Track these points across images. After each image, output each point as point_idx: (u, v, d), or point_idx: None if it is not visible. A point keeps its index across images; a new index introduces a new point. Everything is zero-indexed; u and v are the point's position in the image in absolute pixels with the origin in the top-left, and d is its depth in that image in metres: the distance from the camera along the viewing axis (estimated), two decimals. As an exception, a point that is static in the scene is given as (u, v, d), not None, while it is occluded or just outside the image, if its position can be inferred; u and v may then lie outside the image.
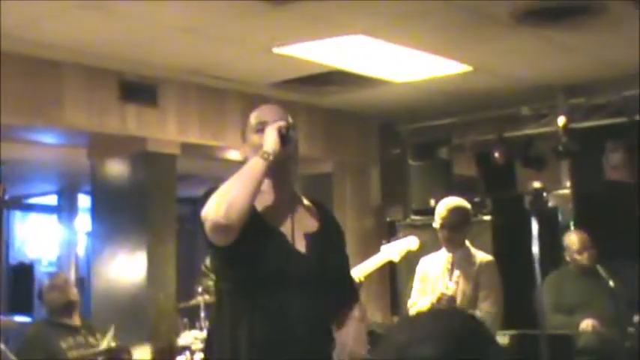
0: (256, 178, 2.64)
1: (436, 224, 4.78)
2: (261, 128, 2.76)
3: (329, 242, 2.84)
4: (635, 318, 5.35)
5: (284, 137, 2.70)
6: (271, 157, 2.66)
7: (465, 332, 1.23)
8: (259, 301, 2.66)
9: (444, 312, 1.19)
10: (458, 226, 4.74)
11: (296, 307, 2.65)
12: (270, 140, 2.69)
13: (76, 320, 4.87)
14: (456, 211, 4.73)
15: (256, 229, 2.66)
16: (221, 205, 2.58)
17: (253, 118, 2.82)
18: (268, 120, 2.77)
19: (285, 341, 2.65)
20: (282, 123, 2.73)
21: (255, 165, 2.66)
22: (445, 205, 4.82)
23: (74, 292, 4.95)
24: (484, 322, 1.28)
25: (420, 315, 1.29)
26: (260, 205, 2.73)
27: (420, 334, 1.23)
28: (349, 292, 2.92)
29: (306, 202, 2.90)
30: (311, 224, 2.81)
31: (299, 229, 2.76)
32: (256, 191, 2.63)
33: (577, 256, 5.73)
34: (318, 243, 2.77)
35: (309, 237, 2.77)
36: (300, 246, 2.74)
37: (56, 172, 9.55)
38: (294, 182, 2.90)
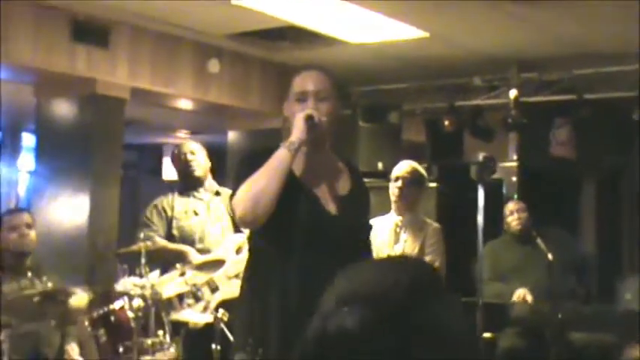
0: (282, 170, 2.75)
1: (392, 182, 4.83)
2: (301, 98, 2.86)
3: (357, 204, 2.95)
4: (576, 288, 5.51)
5: (312, 125, 2.78)
6: (297, 147, 2.77)
7: (420, 277, 1.22)
8: (291, 259, 2.78)
9: (397, 258, 1.17)
10: (413, 186, 4.82)
11: (326, 266, 2.71)
12: (297, 130, 2.79)
13: (26, 262, 4.73)
14: (414, 172, 4.83)
15: (291, 191, 2.77)
16: (248, 201, 2.71)
17: (295, 85, 2.89)
18: (308, 91, 2.85)
19: (315, 299, 2.70)
20: (310, 111, 2.80)
21: (282, 157, 2.76)
22: (404, 165, 4.90)
23: (33, 240, 4.74)
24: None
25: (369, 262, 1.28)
26: (296, 168, 2.84)
27: (369, 279, 1.23)
28: (369, 251, 3.05)
29: (340, 163, 3.00)
30: (343, 186, 2.93)
31: (332, 191, 2.89)
32: (283, 182, 2.73)
33: (508, 219, 5.87)
34: (348, 205, 2.89)
35: (341, 199, 2.88)
36: (332, 207, 2.86)
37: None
38: (329, 144, 2.97)
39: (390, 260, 1.33)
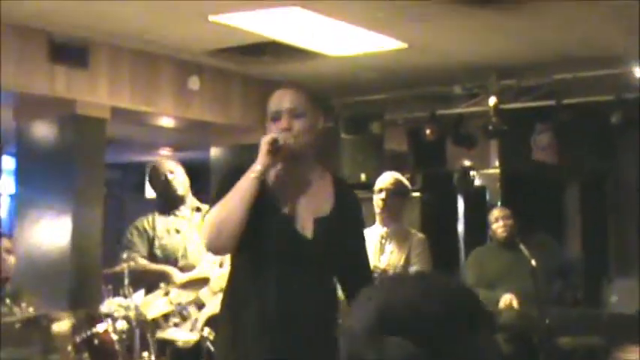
0: (247, 198, 2.73)
1: (376, 194, 4.85)
2: (275, 117, 2.83)
3: (340, 225, 2.85)
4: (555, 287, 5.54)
5: (276, 149, 2.75)
6: (260, 173, 2.74)
7: (451, 294, 1.19)
8: (264, 281, 2.76)
9: (429, 274, 1.14)
10: (397, 197, 4.84)
11: (295, 290, 2.73)
12: (260, 155, 2.76)
13: (5, 288, 4.67)
14: (397, 183, 4.85)
15: (263, 212, 2.75)
16: (211, 230, 2.74)
17: (270, 104, 2.87)
18: (281, 109, 2.82)
19: (281, 322, 2.74)
20: (275, 135, 2.77)
21: (246, 184, 2.74)
22: (388, 176, 4.92)
23: (11, 266, 4.69)
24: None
25: (402, 276, 1.23)
26: (273, 188, 2.81)
27: (409, 296, 1.18)
28: (360, 273, 2.93)
29: (327, 181, 2.93)
30: (323, 207, 2.85)
31: (309, 212, 2.82)
32: (247, 210, 2.72)
33: (494, 227, 5.88)
34: (326, 227, 2.81)
35: (318, 221, 2.81)
36: (308, 229, 2.80)
37: (-20, 131, 9.29)
38: (310, 163, 2.91)
39: (426, 281, 1.27)
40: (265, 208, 2.77)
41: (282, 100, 2.85)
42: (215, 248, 2.84)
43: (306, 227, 2.81)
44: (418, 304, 1.16)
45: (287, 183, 2.85)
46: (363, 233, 3.07)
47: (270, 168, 2.78)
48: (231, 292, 2.91)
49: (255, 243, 2.76)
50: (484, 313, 1.22)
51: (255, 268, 2.80)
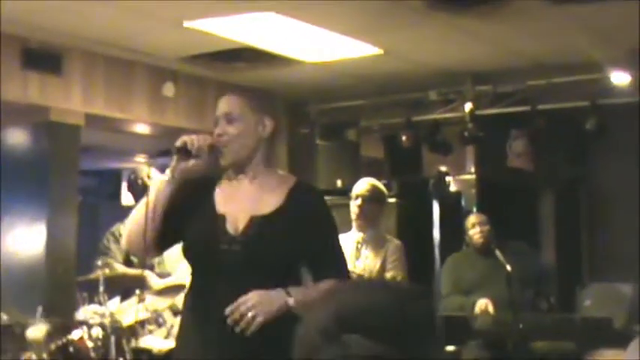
0: (157, 202, 2.75)
1: (353, 200, 4.87)
2: (215, 122, 2.83)
3: (285, 225, 2.74)
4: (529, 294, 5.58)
5: (185, 153, 2.73)
6: (170, 177, 2.76)
7: (412, 304, 1.22)
8: (194, 280, 2.80)
9: (392, 282, 1.19)
10: (373, 204, 4.85)
11: (229, 291, 2.66)
12: (171, 161, 2.78)
13: None
14: (373, 190, 4.86)
15: (200, 211, 2.77)
16: (127, 231, 2.86)
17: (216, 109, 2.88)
18: (219, 114, 2.83)
19: (207, 323, 2.72)
20: (186, 138, 2.75)
21: (158, 187, 2.78)
22: (364, 183, 4.94)
23: None
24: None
25: (365, 282, 1.26)
26: (219, 188, 2.83)
27: (366, 299, 1.22)
28: (326, 273, 2.79)
29: (283, 184, 2.84)
30: (266, 207, 2.77)
31: (248, 212, 2.75)
32: (158, 210, 2.74)
33: (470, 233, 5.89)
34: (263, 225, 2.73)
35: (253, 219, 2.74)
36: (239, 227, 2.74)
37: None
38: (255, 166, 2.84)
39: (381, 286, 1.31)
40: (206, 211, 2.78)
41: (219, 105, 2.86)
42: (130, 249, 3.01)
43: (239, 226, 2.75)
44: (372, 307, 1.19)
45: (229, 186, 2.83)
46: (328, 233, 2.89)
47: (181, 171, 2.76)
48: (184, 298, 2.94)
49: (188, 242, 2.79)
50: (435, 323, 1.27)
51: (193, 272, 2.82)
